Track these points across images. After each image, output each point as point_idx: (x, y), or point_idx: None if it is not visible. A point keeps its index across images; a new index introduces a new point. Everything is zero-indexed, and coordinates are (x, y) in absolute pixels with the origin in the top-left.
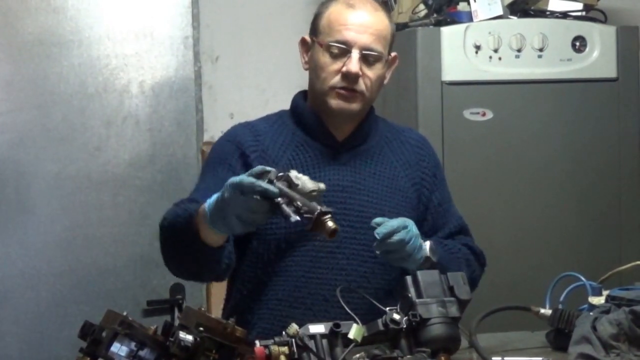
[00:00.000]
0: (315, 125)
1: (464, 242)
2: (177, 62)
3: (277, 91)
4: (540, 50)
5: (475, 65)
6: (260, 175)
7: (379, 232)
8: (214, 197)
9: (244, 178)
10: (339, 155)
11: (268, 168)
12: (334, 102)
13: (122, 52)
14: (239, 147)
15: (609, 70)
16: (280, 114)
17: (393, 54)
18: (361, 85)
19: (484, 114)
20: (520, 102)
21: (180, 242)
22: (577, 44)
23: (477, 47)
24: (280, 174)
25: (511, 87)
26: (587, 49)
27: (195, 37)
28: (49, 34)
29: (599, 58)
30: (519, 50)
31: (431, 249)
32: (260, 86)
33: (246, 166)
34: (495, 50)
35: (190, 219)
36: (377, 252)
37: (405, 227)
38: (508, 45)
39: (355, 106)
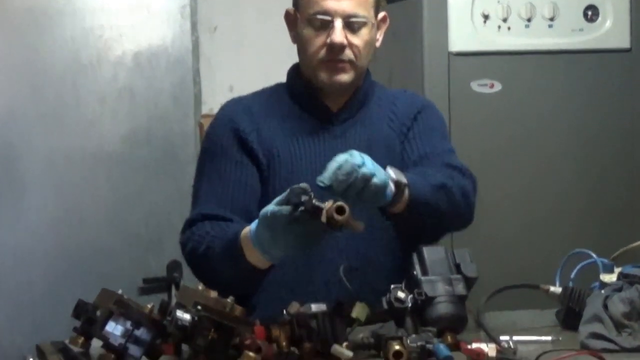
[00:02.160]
0: (309, 99)
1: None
2: (173, 33)
3: (277, 63)
4: (551, 19)
5: (483, 35)
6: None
7: (323, 177)
8: (256, 223)
9: (278, 212)
10: (333, 128)
11: (296, 188)
12: (324, 76)
13: (117, 23)
14: (236, 132)
15: (622, 40)
16: (277, 87)
17: (382, 14)
18: (349, 54)
19: (492, 86)
20: (530, 74)
21: (220, 269)
22: (589, 13)
23: (485, 17)
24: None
25: (520, 58)
26: (600, 19)
27: (192, 7)
28: (40, 4)
29: (612, 28)
30: (528, 20)
31: (394, 171)
32: (261, 58)
33: (246, 150)
34: (504, 20)
35: (233, 247)
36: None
37: (350, 158)
38: (517, 15)
39: (346, 77)
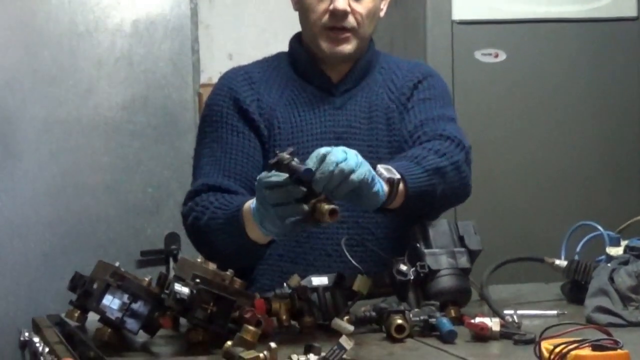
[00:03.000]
0: (310, 69)
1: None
2: (172, 0)
3: (278, 31)
4: None
5: (487, 3)
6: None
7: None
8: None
9: (262, 176)
10: (333, 99)
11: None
12: (326, 46)
13: None
14: (236, 102)
15: (629, 8)
16: (278, 56)
17: None
18: (351, 22)
19: (496, 55)
20: (535, 43)
21: (222, 241)
22: None
23: None
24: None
25: (525, 26)
26: None
27: None
28: None
29: None
30: None
31: (385, 168)
32: (260, 25)
33: (247, 120)
34: None
35: (235, 219)
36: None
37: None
38: None
39: (348, 47)
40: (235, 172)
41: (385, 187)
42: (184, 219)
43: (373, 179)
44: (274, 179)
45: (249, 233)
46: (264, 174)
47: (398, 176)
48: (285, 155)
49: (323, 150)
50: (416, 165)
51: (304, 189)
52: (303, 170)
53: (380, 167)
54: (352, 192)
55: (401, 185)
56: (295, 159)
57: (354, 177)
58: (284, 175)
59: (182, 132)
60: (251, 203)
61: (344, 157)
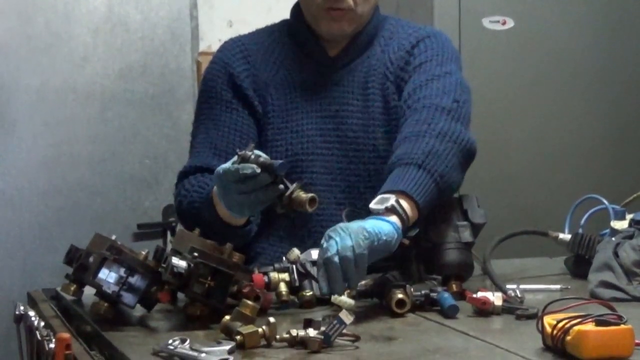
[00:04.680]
0: (309, 43)
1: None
2: None
3: None
4: None
5: None
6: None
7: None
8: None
9: (226, 170)
10: (331, 74)
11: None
12: (324, 25)
13: None
14: (231, 77)
15: None
16: (280, 25)
17: None
18: (348, 2)
19: (504, 23)
20: (543, 10)
21: (203, 224)
22: None
23: None
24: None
25: None
26: None
27: None
28: None
29: None
30: None
31: (375, 201)
32: None
33: (242, 97)
34: None
35: (208, 204)
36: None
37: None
38: None
39: (346, 26)
40: (227, 151)
41: (393, 219)
42: (175, 201)
43: (376, 234)
44: (247, 171)
45: (220, 215)
46: (228, 166)
47: (392, 201)
48: (248, 152)
49: (320, 261)
50: (412, 168)
51: (280, 185)
52: (278, 165)
53: (373, 205)
54: (371, 257)
55: (405, 203)
56: (261, 154)
57: (359, 252)
58: (251, 166)
59: (180, 101)
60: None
61: (334, 249)
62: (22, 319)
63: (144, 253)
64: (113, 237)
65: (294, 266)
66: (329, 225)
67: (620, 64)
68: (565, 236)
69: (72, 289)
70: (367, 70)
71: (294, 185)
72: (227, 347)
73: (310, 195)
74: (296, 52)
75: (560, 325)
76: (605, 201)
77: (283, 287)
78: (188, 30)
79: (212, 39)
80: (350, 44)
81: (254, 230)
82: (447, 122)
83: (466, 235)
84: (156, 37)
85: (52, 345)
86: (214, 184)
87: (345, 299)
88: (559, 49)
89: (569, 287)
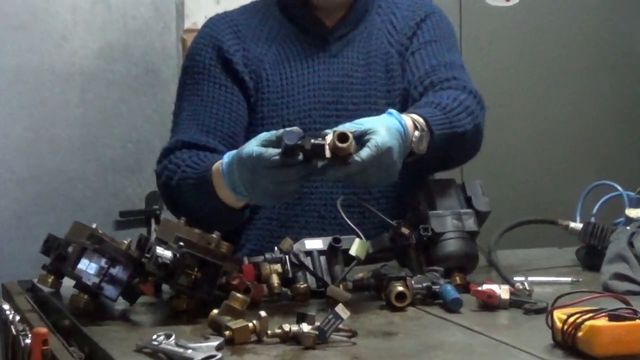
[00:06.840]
0: (302, 14)
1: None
2: None
3: None
4: None
5: None
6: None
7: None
8: (229, 160)
9: (264, 153)
10: (328, 46)
11: (280, 132)
12: None
13: None
14: (220, 51)
15: None
16: (267, 0)
17: None
18: None
19: None
20: None
21: (194, 204)
22: None
23: None
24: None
25: None
26: None
27: None
28: None
29: None
30: None
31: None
32: None
33: (231, 72)
34: None
35: (205, 181)
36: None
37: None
38: None
39: None
40: (215, 128)
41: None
42: (157, 178)
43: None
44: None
45: (220, 196)
46: (262, 150)
47: (421, 121)
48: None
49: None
50: (440, 111)
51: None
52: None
53: (405, 116)
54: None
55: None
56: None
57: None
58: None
59: (164, 82)
60: (220, 165)
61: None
62: None
63: (126, 242)
64: (93, 226)
65: (287, 256)
66: (323, 206)
67: (632, 42)
68: (577, 225)
69: (50, 280)
70: (368, 40)
71: (317, 140)
72: (215, 343)
73: (339, 131)
74: (289, 26)
75: (571, 320)
76: (619, 187)
77: (275, 279)
78: (173, 7)
79: (199, 16)
80: (347, 14)
81: (247, 215)
82: (469, 100)
83: (470, 224)
84: (139, 15)
85: (28, 341)
86: (214, 160)
87: (341, 292)
88: (565, 27)
89: (580, 279)
